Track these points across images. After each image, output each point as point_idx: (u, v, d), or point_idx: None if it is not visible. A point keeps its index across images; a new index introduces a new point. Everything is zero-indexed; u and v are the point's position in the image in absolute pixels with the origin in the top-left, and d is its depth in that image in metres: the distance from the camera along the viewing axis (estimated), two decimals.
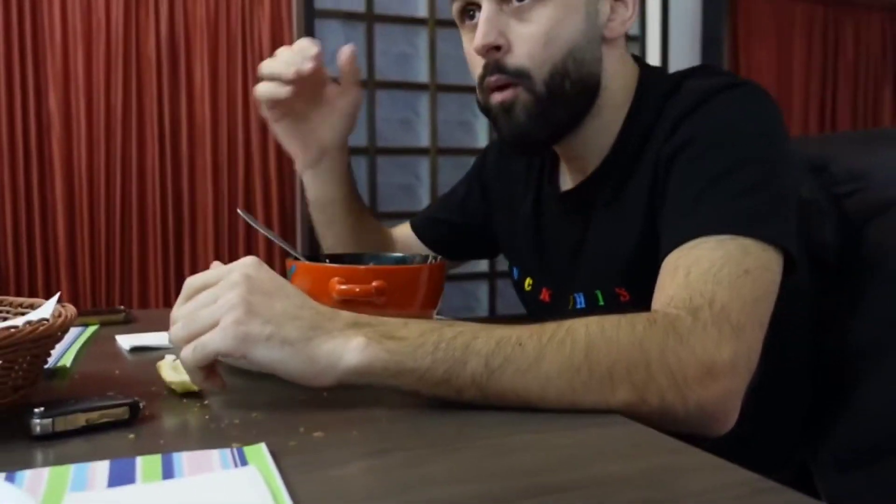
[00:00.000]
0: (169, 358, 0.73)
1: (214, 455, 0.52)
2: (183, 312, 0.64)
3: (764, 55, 3.30)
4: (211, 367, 0.63)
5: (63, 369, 0.80)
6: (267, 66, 0.95)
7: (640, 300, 0.74)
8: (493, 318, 3.39)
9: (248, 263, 0.65)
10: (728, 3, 3.18)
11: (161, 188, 2.75)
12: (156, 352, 0.90)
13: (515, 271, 1.06)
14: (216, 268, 0.67)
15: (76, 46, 2.66)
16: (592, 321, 0.64)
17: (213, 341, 0.60)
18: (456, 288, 2.76)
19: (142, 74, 2.73)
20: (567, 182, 0.96)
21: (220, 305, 0.61)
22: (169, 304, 2.74)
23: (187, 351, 0.62)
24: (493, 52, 0.82)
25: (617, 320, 0.64)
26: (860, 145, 1.12)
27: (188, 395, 0.68)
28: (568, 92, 0.84)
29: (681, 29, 3.25)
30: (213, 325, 0.61)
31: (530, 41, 0.82)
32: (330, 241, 1.09)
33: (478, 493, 0.46)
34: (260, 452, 0.52)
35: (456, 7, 0.88)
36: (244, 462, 0.51)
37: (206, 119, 2.77)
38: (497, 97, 0.84)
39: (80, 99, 2.67)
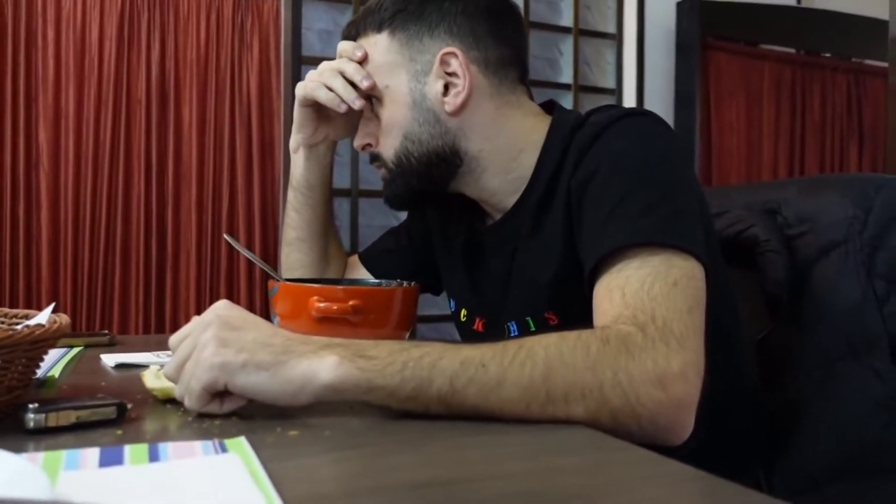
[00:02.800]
0: (153, 367, 0.77)
1: (197, 445, 0.57)
2: (171, 368, 0.70)
3: (734, 113, 3.44)
4: (219, 395, 0.67)
5: (51, 379, 0.84)
6: (328, 77, 1.02)
7: (569, 323, 0.79)
8: None
9: (218, 306, 0.71)
10: (700, 63, 3.31)
11: (146, 223, 2.79)
12: (140, 368, 0.94)
13: (452, 303, 1.13)
14: (192, 321, 0.72)
15: (68, 83, 2.73)
16: (552, 343, 0.69)
17: (197, 379, 0.66)
18: (432, 329, 2.80)
19: (131, 113, 2.80)
20: (494, 217, 1.04)
21: (198, 348, 0.67)
22: (149, 332, 2.76)
23: (186, 401, 0.67)
24: (368, 147, 1.01)
25: (574, 342, 0.69)
26: (808, 190, 1.19)
27: (170, 401, 0.73)
28: (415, 165, 0.98)
29: (655, 87, 3.37)
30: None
31: (377, 135, 1.00)
32: (293, 232, 1.15)
33: (438, 477, 0.51)
34: (240, 444, 0.57)
35: None
36: (225, 451, 0.55)
37: (192, 157, 2.84)
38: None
39: (69, 135, 2.72)
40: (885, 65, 3.70)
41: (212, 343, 0.66)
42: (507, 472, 0.53)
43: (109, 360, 1.00)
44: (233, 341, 0.67)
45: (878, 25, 3.36)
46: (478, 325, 1.05)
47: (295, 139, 1.12)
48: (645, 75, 3.34)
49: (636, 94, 3.37)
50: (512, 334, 0.98)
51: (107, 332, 1.25)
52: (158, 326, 2.77)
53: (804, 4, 3.77)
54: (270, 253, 2.90)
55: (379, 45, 0.97)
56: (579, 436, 0.64)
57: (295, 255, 1.14)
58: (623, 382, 0.68)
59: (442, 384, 0.66)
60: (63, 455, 0.54)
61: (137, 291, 2.76)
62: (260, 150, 2.90)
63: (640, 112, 0.92)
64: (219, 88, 2.87)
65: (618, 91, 3.36)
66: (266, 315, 0.84)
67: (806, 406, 1.05)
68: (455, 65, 0.94)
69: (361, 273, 1.19)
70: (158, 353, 1.06)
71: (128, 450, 0.55)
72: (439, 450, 0.58)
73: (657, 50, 3.37)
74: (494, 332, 1.01)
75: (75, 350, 1.09)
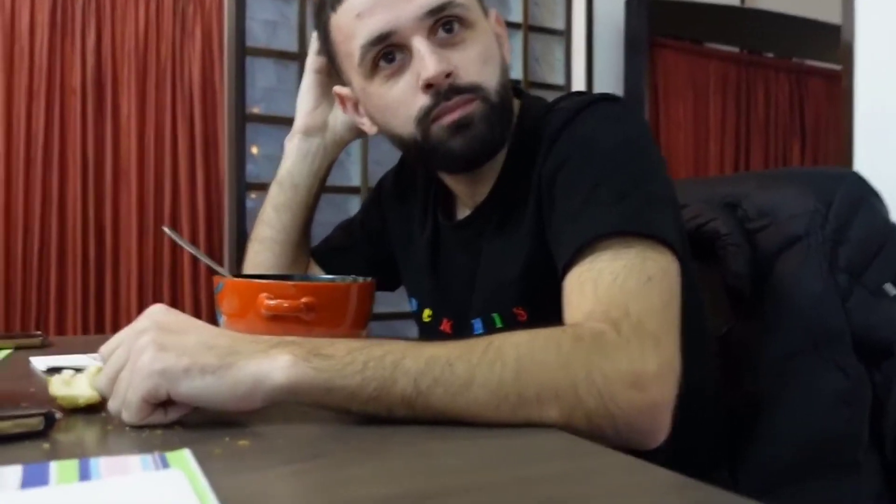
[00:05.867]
0: (67, 372, 0.70)
1: (134, 460, 0.51)
2: (104, 381, 0.63)
3: (682, 110, 3.47)
4: (161, 405, 0.61)
5: None
6: None
7: (539, 318, 0.76)
8: None
9: (153, 311, 0.65)
10: (648, 60, 3.33)
11: (83, 220, 2.66)
12: (74, 373, 0.87)
13: (414, 303, 1.08)
14: (123, 330, 0.66)
15: None
16: (521, 341, 0.65)
17: (135, 389, 0.60)
18: (386, 328, 2.75)
19: (65, 104, 2.66)
20: (462, 213, 1.00)
21: (133, 355, 0.61)
22: (88, 333, 2.64)
23: (124, 415, 0.61)
24: (445, 78, 0.84)
25: (545, 340, 0.65)
26: (768, 184, 1.18)
27: (85, 409, 0.66)
28: (507, 103, 0.89)
29: (604, 84, 3.38)
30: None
31: (472, 63, 0.86)
32: (267, 230, 1.08)
33: (400, 491, 0.47)
34: (183, 457, 0.51)
35: (373, 53, 0.86)
36: (166, 466, 0.50)
37: (131, 152, 2.72)
38: (454, 115, 0.85)
39: None
40: (827, 66, 3.81)
41: (149, 349, 0.60)
42: (479, 484, 0.48)
43: (40, 363, 0.92)
44: (173, 345, 0.61)
45: (819, 27, 3.43)
46: (445, 325, 1.01)
47: (295, 123, 1.08)
48: (594, 72, 3.34)
49: (586, 89, 3.37)
50: (476, 332, 0.94)
51: (39, 332, 1.17)
52: (98, 327, 2.65)
53: (748, 5, 3.83)
54: (216, 253, 2.80)
55: None
56: (553, 440, 0.60)
57: (264, 256, 1.07)
58: (598, 382, 0.64)
59: (406, 385, 0.61)
60: None
61: (75, 291, 2.63)
62: (203, 145, 2.80)
63: (609, 97, 0.89)
64: (159, 79, 2.76)
65: (567, 88, 3.35)
66: (213, 320, 0.78)
67: (768, 402, 1.03)
68: (500, 29, 0.94)
69: (314, 271, 1.13)
70: (94, 355, 0.98)
71: (54, 467, 0.49)
72: (405, 459, 0.54)
73: (606, 47, 3.38)
74: (461, 333, 0.97)
75: (3, 353, 1.01)
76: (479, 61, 0.87)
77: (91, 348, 1.05)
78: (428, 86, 0.85)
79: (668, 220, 0.80)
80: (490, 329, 0.92)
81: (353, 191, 2.86)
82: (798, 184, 1.11)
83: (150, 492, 0.45)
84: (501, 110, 0.88)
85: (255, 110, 3.02)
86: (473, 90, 0.86)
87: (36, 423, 0.58)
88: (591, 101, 0.88)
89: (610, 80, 3.35)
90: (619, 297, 0.71)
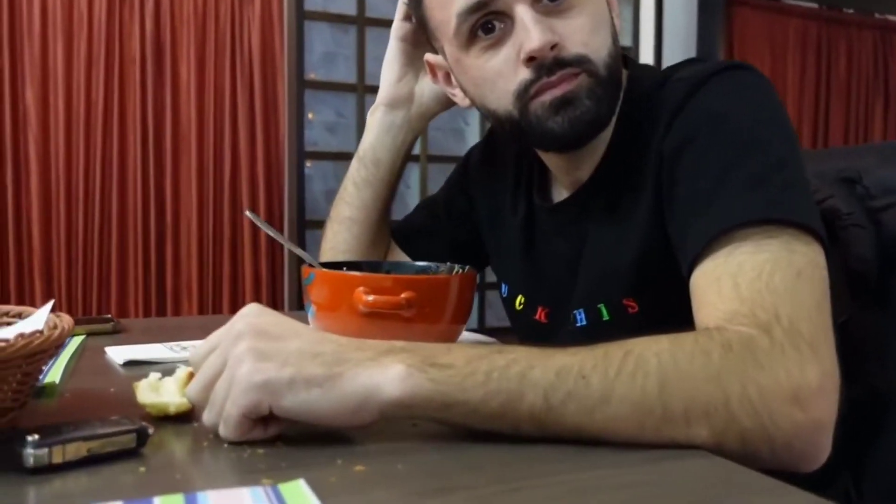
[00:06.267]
0: (153, 375, 0.64)
1: (245, 495, 0.44)
2: (197, 390, 0.57)
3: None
4: (260, 420, 0.55)
5: (51, 386, 0.71)
6: None
7: (652, 311, 0.71)
8: (483, 331, 3.32)
9: (248, 312, 0.58)
10: (724, 19, 3.16)
11: (143, 190, 2.64)
12: (151, 366, 0.82)
13: (504, 288, 1.00)
14: (215, 333, 0.59)
15: (56, 40, 2.55)
16: (663, 348, 0.57)
17: (235, 405, 0.53)
18: None
19: (125, 72, 2.63)
20: (560, 194, 0.91)
21: (230, 365, 0.55)
22: (148, 313, 2.63)
23: (221, 430, 0.55)
24: (549, 50, 0.76)
25: (690, 348, 0.57)
26: (892, 157, 1.07)
27: (169, 418, 0.60)
28: (616, 76, 0.81)
29: (675, 44, 3.22)
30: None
31: (580, 32, 0.77)
32: (347, 210, 1.03)
33: None
34: (300, 491, 0.45)
35: (470, 22, 0.78)
36: (282, 503, 0.43)
37: (191, 120, 2.68)
38: (555, 91, 0.77)
39: (58, 95, 2.56)
40: None
41: (248, 357, 0.54)
42: None
43: (116, 354, 0.87)
44: (273, 354, 0.54)
45: None
46: (540, 314, 0.93)
47: (379, 94, 1.01)
48: (664, 33, 3.18)
49: (654, 53, 3.22)
50: (579, 324, 0.86)
51: (110, 316, 1.12)
52: (159, 304, 2.64)
53: None
54: (276, 224, 2.76)
55: None
56: (708, 468, 0.52)
57: (343, 237, 1.01)
58: (753, 398, 0.56)
59: (535, 399, 0.54)
60: None
61: (136, 266, 2.62)
62: (263, 113, 2.74)
63: (738, 65, 0.79)
64: (218, 46, 2.71)
65: (634, 51, 3.21)
66: (274, 298, 0.71)
67: None
68: None
69: (397, 254, 1.06)
70: (171, 344, 0.94)
71: None
72: (558, 492, 0.46)
73: (677, 5, 3.21)
74: (559, 323, 0.89)
75: (76, 340, 0.97)
76: (587, 30, 0.78)
77: (164, 336, 1.01)
78: (530, 59, 0.76)
79: (812, 206, 0.71)
80: (595, 321, 0.84)
81: (413, 159, 2.78)
82: None
83: None
84: (609, 84, 0.79)
85: (312, 76, 2.96)
86: (580, 63, 0.77)
87: (129, 440, 0.52)
88: (717, 69, 0.78)
89: (681, 41, 3.19)
90: (767, 296, 0.62)
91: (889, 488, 0.92)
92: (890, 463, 0.93)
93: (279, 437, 0.55)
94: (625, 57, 0.89)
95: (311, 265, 0.78)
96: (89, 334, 1.02)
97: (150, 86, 2.64)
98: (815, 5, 3.47)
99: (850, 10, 3.56)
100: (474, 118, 3.39)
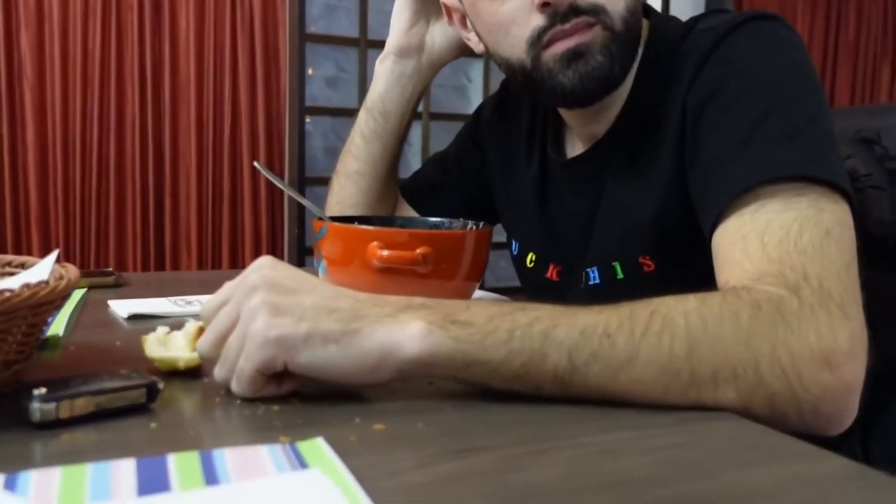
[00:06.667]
0: (161, 329, 0.62)
1: (263, 452, 0.43)
2: (208, 344, 0.55)
3: None
4: (275, 376, 0.53)
5: (55, 339, 0.70)
6: None
7: (668, 269, 0.69)
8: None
9: (262, 264, 0.56)
10: None
11: (141, 142, 2.60)
12: (156, 320, 0.80)
13: (515, 245, 0.98)
14: (227, 285, 0.57)
15: None
16: (691, 308, 0.55)
17: (249, 360, 0.51)
18: None
19: (122, 20, 2.56)
20: (575, 148, 0.89)
21: (244, 319, 0.52)
22: (147, 267, 2.60)
23: (234, 387, 0.53)
24: None
25: (719, 308, 0.55)
26: None
27: (178, 373, 0.58)
28: (634, 32, 0.78)
29: (682, 3, 3.15)
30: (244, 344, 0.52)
31: None
32: (354, 163, 1.00)
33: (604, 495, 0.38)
34: (319, 449, 0.43)
35: None
36: (302, 462, 0.41)
37: (190, 71, 2.62)
38: (568, 42, 0.74)
39: (54, 42, 2.49)
40: None
41: (262, 311, 0.52)
42: (684, 498, 0.39)
43: (120, 308, 0.85)
44: (289, 308, 0.52)
45: None
46: (551, 272, 0.91)
47: (388, 43, 0.98)
48: None
49: (661, 8, 3.15)
50: (592, 282, 0.84)
51: (111, 269, 1.10)
52: (157, 258, 2.61)
53: None
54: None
55: None
56: (735, 430, 0.50)
57: (350, 190, 0.99)
58: (783, 360, 0.54)
59: (559, 359, 0.52)
60: (88, 472, 0.40)
61: (134, 219, 2.59)
62: (264, 66, 2.69)
63: (766, 15, 0.76)
64: None
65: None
66: (275, 251, 0.68)
67: None
68: None
69: (405, 209, 1.03)
70: (175, 298, 0.92)
71: (172, 462, 0.41)
72: (583, 453, 0.45)
73: None
74: (571, 282, 0.87)
75: (78, 293, 0.95)
76: None
77: (166, 290, 0.99)
78: (545, 4, 0.73)
79: (841, 164, 0.68)
80: (608, 279, 0.83)
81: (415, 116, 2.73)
82: None
83: (294, 503, 0.37)
84: (626, 40, 0.76)
85: (313, 30, 2.89)
86: (595, 12, 0.74)
87: (139, 395, 0.50)
88: (744, 18, 0.75)
89: None
90: (795, 255, 0.60)
91: (893, 453, 0.92)
92: None
93: (294, 394, 0.54)
94: (646, 7, 0.86)
95: (321, 219, 0.75)
96: (91, 287, 1.00)
97: (147, 35, 2.58)
98: None
99: None
100: (477, 75, 3.33)
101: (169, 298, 0.92)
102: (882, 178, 0.99)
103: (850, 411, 0.57)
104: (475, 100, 3.37)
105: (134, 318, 0.82)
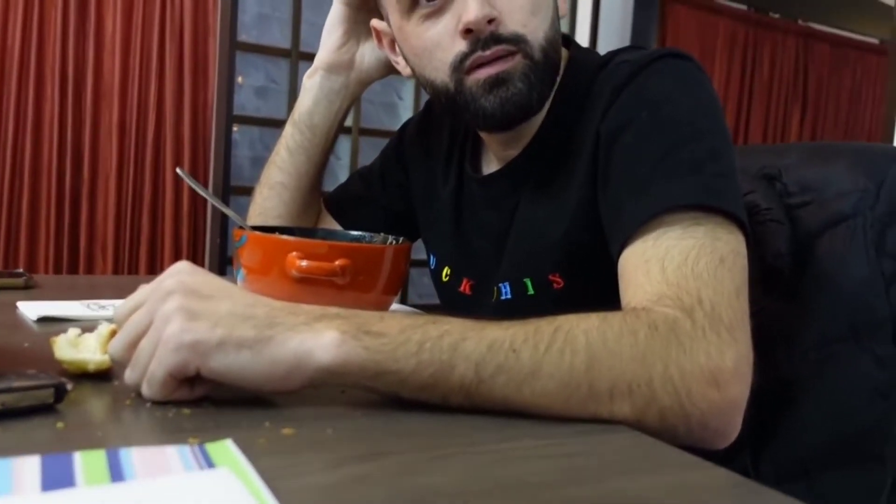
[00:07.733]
0: (72, 331, 0.62)
1: (171, 452, 0.44)
2: (120, 347, 0.55)
3: None
4: (186, 380, 0.54)
5: None
6: None
7: (577, 287, 0.72)
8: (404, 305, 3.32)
9: (178, 269, 0.57)
10: (658, 15, 3.22)
11: (59, 142, 2.51)
12: (66, 323, 0.79)
13: (433, 259, 1.01)
14: (142, 288, 0.57)
15: None
16: (592, 326, 0.58)
17: (161, 364, 0.52)
18: None
19: (44, 17, 2.49)
20: (491, 166, 0.93)
21: (158, 322, 0.53)
22: (59, 270, 2.52)
23: (145, 390, 0.53)
24: (487, 24, 0.76)
25: (619, 327, 0.59)
26: (812, 158, 1.12)
27: (88, 376, 0.58)
28: (553, 61, 0.82)
29: (610, 37, 3.27)
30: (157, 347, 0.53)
31: (520, 11, 0.78)
32: (279, 175, 1.01)
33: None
34: (227, 451, 0.44)
35: None
36: (209, 462, 0.42)
37: (115, 74, 2.56)
38: (490, 70, 0.78)
39: None
40: (833, 31, 3.75)
41: (177, 316, 0.52)
42: (574, 498, 0.42)
43: (29, 310, 0.84)
44: (204, 313, 0.53)
45: None
46: (465, 286, 0.94)
47: (318, 58, 0.99)
48: (599, 25, 3.23)
49: (589, 41, 3.26)
50: (503, 297, 0.87)
51: (21, 271, 1.07)
52: (71, 262, 2.53)
53: None
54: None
55: None
56: (630, 442, 0.53)
57: (273, 202, 0.99)
58: (674, 378, 0.58)
59: (466, 371, 0.55)
60: None
61: (48, 221, 2.50)
62: (192, 70, 2.65)
63: (680, 53, 0.81)
64: None
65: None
66: (195, 260, 0.69)
67: (801, 388, 0.99)
68: None
69: (328, 222, 1.05)
70: (89, 302, 0.90)
71: (79, 460, 0.41)
72: (483, 460, 0.47)
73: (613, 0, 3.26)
74: (483, 296, 0.90)
75: None
76: (527, 9, 0.79)
77: (80, 293, 0.97)
78: (467, 31, 0.76)
79: (739, 197, 0.73)
80: (519, 295, 0.86)
81: (345, 131, 2.74)
82: (847, 159, 1.05)
83: (199, 500, 0.38)
84: (545, 69, 0.80)
85: (244, 38, 2.87)
86: (516, 41, 0.78)
87: (46, 395, 0.50)
88: (659, 55, 0.80)
89: (616, 34, 3.24)
90: (691, 280, 0.65)
91: (783, 467, 0.97)
92: (787, 445, 0.98)
93: (206, 398, 0.55)
94: (567, 38, 0.91)
95: (242, 228, 0.76)
96: (0, 288, 0.98)
97: (71, 34, 2.51)
98: (744, 7, 3.59)
99: (777, 15, 3.70)
100: (408, 93, 3.37)
101: (81, 302, 0.90)
102: (780, 213, 1.05)
103: (734, 426, 0.62)
104: (405, 117, 3.39)
105: (44, 320, 0.80)
